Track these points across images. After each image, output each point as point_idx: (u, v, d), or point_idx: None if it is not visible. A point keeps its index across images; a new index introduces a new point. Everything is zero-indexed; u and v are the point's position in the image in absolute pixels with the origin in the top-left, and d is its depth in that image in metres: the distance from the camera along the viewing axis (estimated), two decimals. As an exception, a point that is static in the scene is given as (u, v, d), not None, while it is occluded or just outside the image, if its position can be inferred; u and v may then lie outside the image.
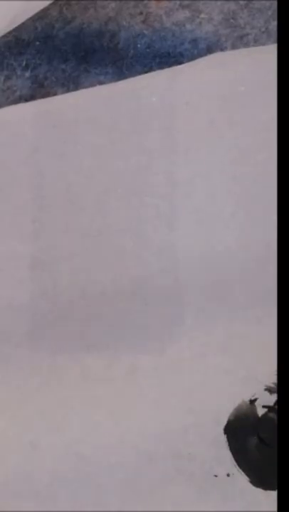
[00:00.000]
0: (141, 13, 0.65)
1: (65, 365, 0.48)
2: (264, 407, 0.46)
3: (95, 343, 0.48)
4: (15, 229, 0.53)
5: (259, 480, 0.43)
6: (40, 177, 0.54)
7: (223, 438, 0.45)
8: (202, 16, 0.64)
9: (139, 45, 0.63)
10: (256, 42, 0.65)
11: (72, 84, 0.64)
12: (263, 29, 0.64)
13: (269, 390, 0.46)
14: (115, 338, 0.48)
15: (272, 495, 0.43)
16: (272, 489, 0.43)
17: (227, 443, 0.44)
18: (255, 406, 0.46)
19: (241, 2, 0.64)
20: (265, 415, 0.45)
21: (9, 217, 0.53)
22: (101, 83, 0.61)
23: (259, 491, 0.43)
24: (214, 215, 0.51)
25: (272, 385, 0.46)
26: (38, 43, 0.64)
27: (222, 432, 0.45)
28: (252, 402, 0.46)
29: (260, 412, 0.45)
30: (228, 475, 0.44)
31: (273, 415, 0.45)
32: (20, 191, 0.54)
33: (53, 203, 0.53)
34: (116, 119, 0.55)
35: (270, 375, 0.46)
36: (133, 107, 0.55)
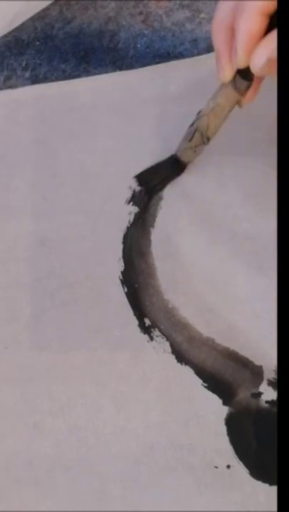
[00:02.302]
0: (141, 13, 0.65)
1: (72, 347, 0.47)
2: (266, 402, 0.45)
3: (101, 326, 0.48)
4: (26, 206, 0.53)
5: (259, 472, 0.43)
6: (53, 156, 0.55)
7: (224, 430, 0.44)
8: (202, 15, 0.64)
9: (139, 45, 0.63)
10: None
11: (72, 83, 0.64)
12: (263, 29, 0.65)
13: (271, 384, 0.46)
14: (121, 320, 0.48)
15: (272, 487, 0.42)
16: (272, 481, 0.42)
17: (228, 435, 0.44)
18: (256, 399, 0.45)
19: (241, 2, 0.65)
20: (265, 409, 0.45)
21: (21, 194, 0.53)
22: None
23: (258, 483, 0.42)
24: (224, 203, 0.51)
25: (274, 380, 0.46)
26: (38, 43, 0.64)
27: (223, 423, 0.45)
28: (254, 395, 0.45)
29: (261, 405, 0.45)
30: (228, 466, 0.43)
31: (274, 409, 0.45)
32: (33, 169, 0.54)
33: (65, 182, 0.53)
34: (133, 105, 0.55)
35: (271, 370, 0.46)
36: (151, 94, 0.56)
